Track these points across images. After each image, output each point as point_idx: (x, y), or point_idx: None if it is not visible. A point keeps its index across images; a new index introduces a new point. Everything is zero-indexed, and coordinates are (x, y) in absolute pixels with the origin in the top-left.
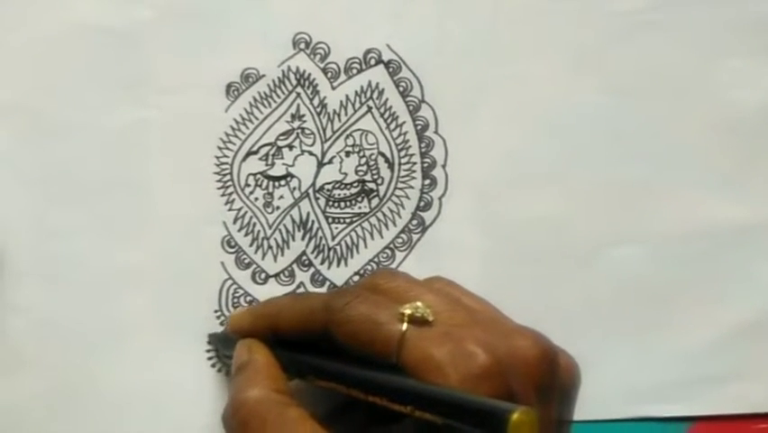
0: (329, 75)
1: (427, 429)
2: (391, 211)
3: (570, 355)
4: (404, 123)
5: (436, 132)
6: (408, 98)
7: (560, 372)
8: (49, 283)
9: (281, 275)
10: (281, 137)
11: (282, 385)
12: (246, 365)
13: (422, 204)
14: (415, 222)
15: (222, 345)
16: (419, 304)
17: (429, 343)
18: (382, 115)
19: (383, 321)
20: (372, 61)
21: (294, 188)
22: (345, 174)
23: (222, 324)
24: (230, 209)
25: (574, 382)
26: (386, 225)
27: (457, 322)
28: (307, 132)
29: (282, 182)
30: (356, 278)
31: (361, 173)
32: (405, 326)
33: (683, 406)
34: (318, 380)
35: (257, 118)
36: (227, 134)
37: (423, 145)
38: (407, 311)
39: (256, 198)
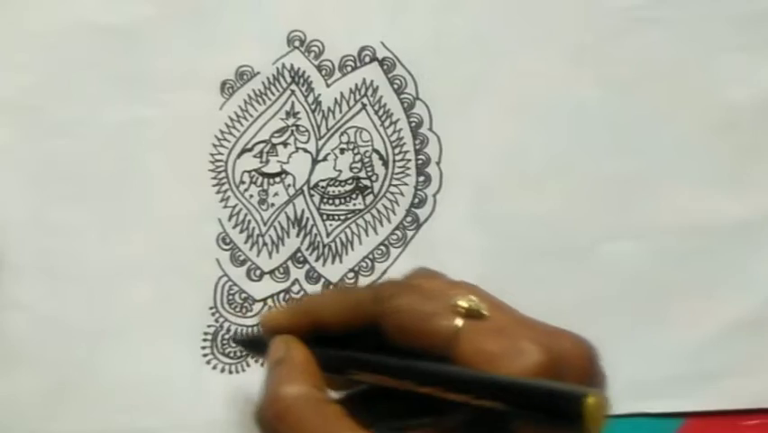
0: (323, 72)
1: (481, 421)
2: (386, 208)
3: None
4: (398, 120)
5: (431, 129)
6: (403, 96)
7: (601, 376)
8: (46, 279)
9: (276, 272)
10: (276, 134)
11: (320, 382)
12: (283, 361)
13: (416, 201)
14: (409, 219)
15: (250, 347)
16: (473, 297)
17: (485, 337)
18: (377, 113)
19: (438, 312)
20: (367, 59)
21: (288, 186)
22: (340, 171)
23: (216, 320)
24: (225, 206)
25: (607, 389)
26: (380, 222)
27: (505, 321)
28: (302, 129)
29: (277, 179)
30: (351, 275)
31: (355, 170)
32: (460, 319)
33: (676, 402)
34: (362, 373)
35: (252, 115)
36: (222, 132)
37: (417, 142)
38: (464, 303)
39: (251, 196)
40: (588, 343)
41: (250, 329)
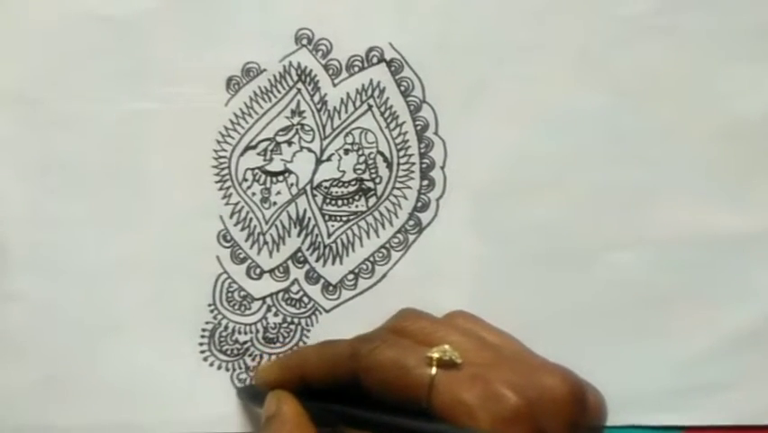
0: (330, 72)
1: None
2: (388, 211)
3: (597, 391)
4: (404, 122)
5: (436, 133)
6: (409, 98)
7: (589, 410)
8: (46, 273)
9: (276, 271)
10: (280, 133)
11: None
12: (275, 417)
13: (419, 204)
14: (411, 222)
15: (250, 399)
16: (446, 347)
17: (459, 386)
18: (382, 114)
19: (412, 366)
20: (374, 60)
21: (291, 185)
22: (343, 172)
23: (215, 317)
24: (227, 203)
25: (602, 419)
26: (382, 225)
27: (485, 362)
28: (307, 128)
29: (280, 178)
30: (351, 276)
31: (359, 172)
32: (434, 370)
33: (676, 415)
34: (349, 428)
35: (257, 113)
36: (226, 128)
37: (422, 146)
38: (435, 355)
39: (253, 193)
40: (572, 377)
41: (250, 382)
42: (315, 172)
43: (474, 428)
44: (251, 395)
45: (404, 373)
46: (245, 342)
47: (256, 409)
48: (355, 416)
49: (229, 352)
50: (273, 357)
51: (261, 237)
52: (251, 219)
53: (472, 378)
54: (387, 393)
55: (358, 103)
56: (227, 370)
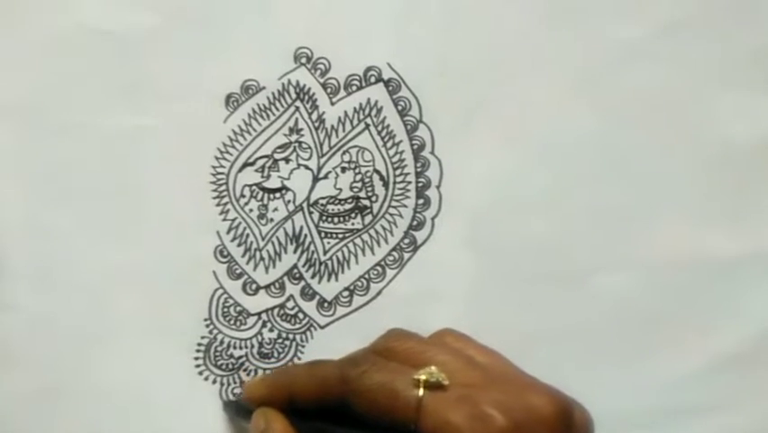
0: (329, 90)
1: None
2: (384, 229)
3: (584, 409)
4: (401, 141)
5: (432, 152)
6: (406, 117)
7: (575, 428)
8: (43, 284)
9: (272, 287)
10: (278, 150)
11: None
12: None
13: (415, 223)
14: (407, 241)
15: (237, 414)
16: (433, 368)
17: (446, 408)
18: (379, 133)
19: (400, 389)
20: (372, 79)
21: (288, 202)
22: (340, 190)
23: (210, 332)
24: (224, 219)
25: None
26: (378, 243)
27: (472, 382)
28: (304, 146)
29: (277, 195)
30: (346, 293)
31: (355, 190)
32: (421, 391)
33: None
34: None
35: (255, 130)
36: (225, 145)
37: (418, 165)
38: (423, 377)
39: (250, 210)
40: (559, 397)
41: (238, 396)
42: (311, 190)
43: None
44: (238, 410)
45: (392, 397)
46: (240, 357)
47: (242, 423)
48: None
49: (224, 366)
50: (260, 374)
51: (258, 253)
52: (247, 235)
53: (459, 399)
54: (376, 416)
55: (355, 121)
56: (222, 384)
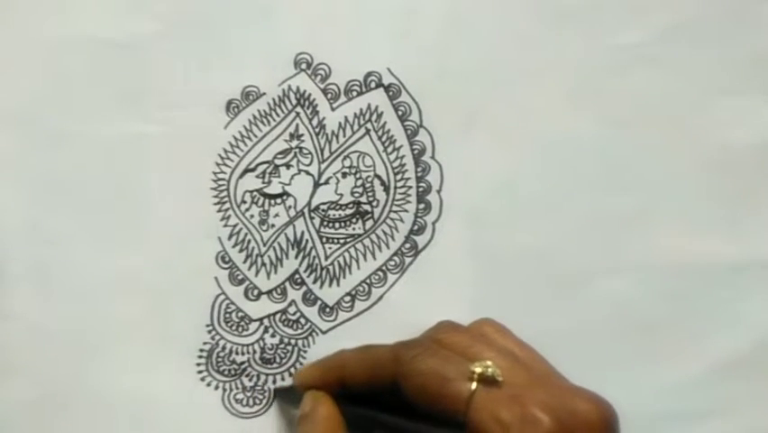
0: (329, 96)
1: None
2: (385, 234)
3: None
4: (401, 146)
5: (433, 157)
6: (407, 122)
7: None
8: (44, 291)
9: (273, 292)
10: (279, 156)
11: None
12: (307, 417)
13: (416, 228)
14: (408, 245)
15: (287, 399)
16: (489, 363)
17: (497, 405)
18: (380, 138)
19: (452, 377)
20: (373, 84)
21: (289, 207)
22: (341, 195)
23: (212, 338)
24: (225, 225)
25: None
26: (379, 248)
27: (520, 382)
28: (305, 151)
29: (278, 200)
30: (347, 299)
31: (356, 195)
32: (474, 385)
33: None
34: None
35: (256, 136)
36: (226, 151)
37: (419, 170)
38: (478, 369)
39: (252, 216)
40: (605, 404)
41: (288, 381)
42: (312, 195)
43: None
44: (289, 395)
45: (443, 384)
46: (242, 362)
47: (292, 410)
48: (389, 423)
49: (226, 372)
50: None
51: (259, 259)
52: (249, 241)
53: (511, 398)
54: (424, 401)
55: (356, 127)
56: (224, 390)
